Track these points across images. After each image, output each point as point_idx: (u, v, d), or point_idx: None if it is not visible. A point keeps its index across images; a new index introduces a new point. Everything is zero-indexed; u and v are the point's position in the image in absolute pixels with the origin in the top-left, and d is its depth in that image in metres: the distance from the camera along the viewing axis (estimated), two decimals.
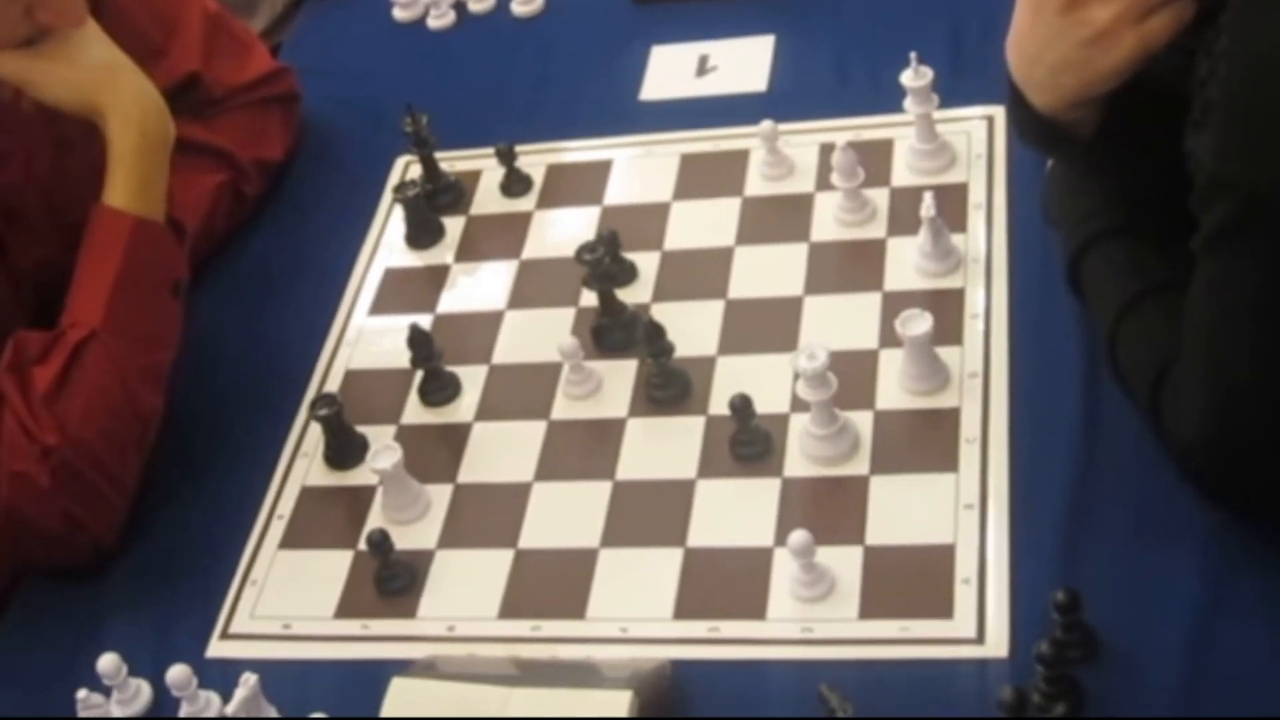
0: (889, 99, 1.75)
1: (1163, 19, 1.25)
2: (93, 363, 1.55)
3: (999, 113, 1.71)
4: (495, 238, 1.81)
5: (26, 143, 1.70)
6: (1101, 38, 1.26)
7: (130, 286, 1.59)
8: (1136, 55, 1.26)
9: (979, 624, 1.32)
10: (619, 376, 1.60)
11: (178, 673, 1.41)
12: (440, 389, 1.64)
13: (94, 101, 1.62)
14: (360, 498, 1.57)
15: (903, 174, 1.72)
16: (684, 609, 1.40)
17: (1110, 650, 1.28)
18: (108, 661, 1.42)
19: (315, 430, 1.63)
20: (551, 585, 1.45)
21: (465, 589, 1.47)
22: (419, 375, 1.64)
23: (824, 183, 1.72)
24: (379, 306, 1.77)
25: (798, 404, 1.48)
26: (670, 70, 1.96)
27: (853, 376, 1.50)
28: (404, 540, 1.49)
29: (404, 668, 1.38)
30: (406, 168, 1.93)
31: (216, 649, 1.49)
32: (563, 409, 1.59)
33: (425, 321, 1.71)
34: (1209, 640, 1.28)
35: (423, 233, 1.83)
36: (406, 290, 1.79)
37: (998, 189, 1.68)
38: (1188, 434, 1.30)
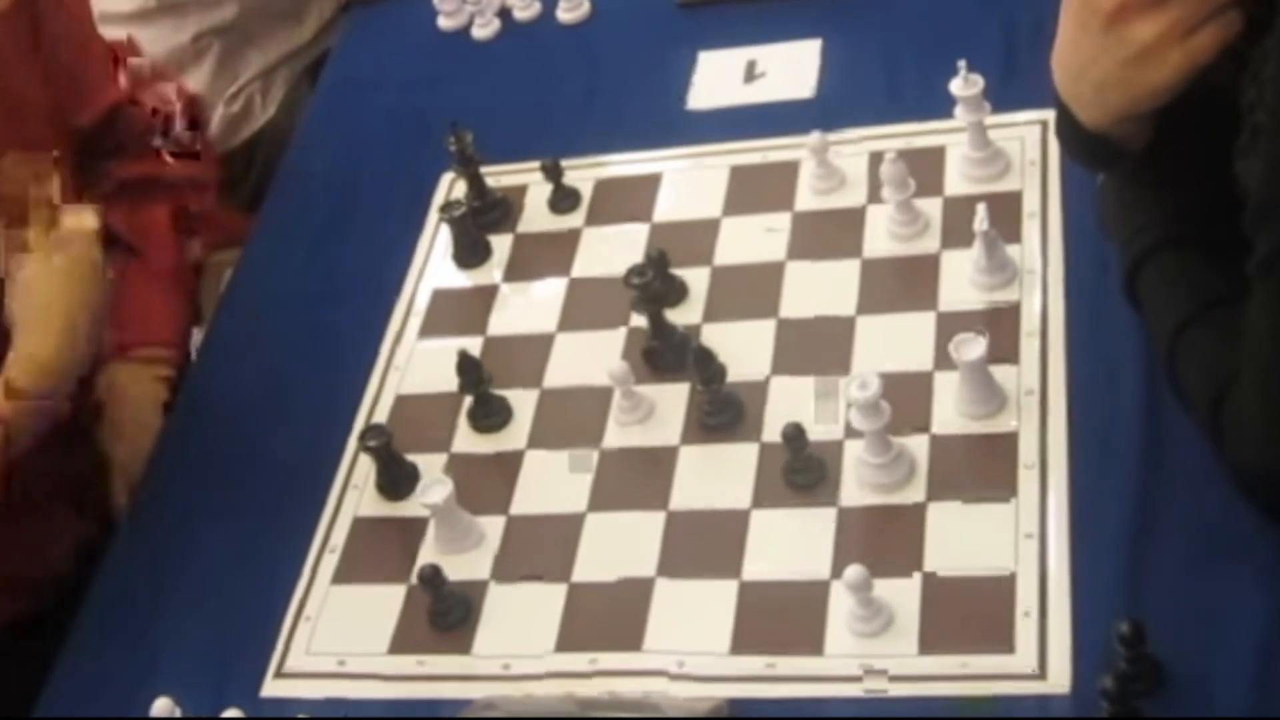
0: (940, 103, 1.71)
1: (1209, 34, 1.20)
2: None
3: (1053, 117, 1.67)
4: (544, 256, 1.79)
5: None
6: (1146, 55, 1.22)
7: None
8: (1183, 72, 1.22)
9: (1040, 658, 1.30)
10: (671, 400, 1.58)
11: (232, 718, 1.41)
12: (490, 414, 1.62)
13: None
14: (413, 528, 1.56)
15: (955, 182, 1.69)
16: (740, 643, 1.38)
17: (1176, 681, 1.25)
18: (162, 707, 1.41)
19: (366, 459, 1.62)
20: (607, 619, 1.43)
21: (520, 623, 1.45)
22: (469, 400, 1.63)
23: (875, 194, 1.69)
24: (428, 329, 1.76)
25: (852, 430, 1.46)
26: (718, 77, 1.94)
27: (907, 400, 1.48)
28: (457, 572, 1.48)
29: (460, 708, 1.38)
30: (453, 184, 1.91)
31: (271, 688, 1.48)
32: (615, 436, 1.57)
33: (475, 344, 1.70)
34: (1279, 668, 1.25)
35: (470, 252, 1.81)
36: (456, 311, 1.77)
37: (1052, 196, 1.64)
38: (1247, 456, 1.26)
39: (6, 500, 1.56)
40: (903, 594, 1.36)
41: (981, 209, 1.55)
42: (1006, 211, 1.63)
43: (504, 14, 2.16)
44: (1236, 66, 1.23)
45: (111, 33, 2.50)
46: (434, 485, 1.51)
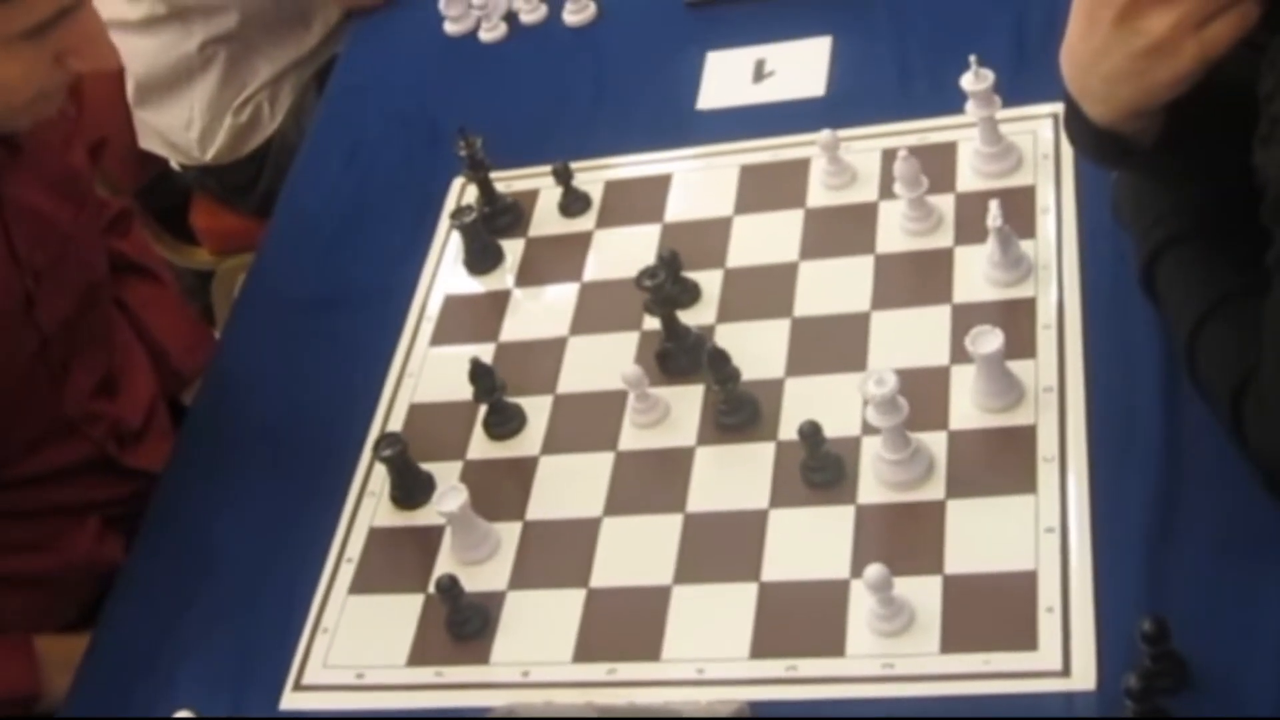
0: (951, 98, 1.70)
1: (1223, 26, 1.18)
2: None
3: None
4: (555, 260, 1.78)
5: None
6: (1158, 48, 1.20)
7: None
8: (1196, 65, 1.20)
9: (1064, 655, 1.28)
10: (686, 402, 1.57)
11: None
12: (505, 422, 1.61)
13: None
14: (429, 537, 1.55)
15: (968, 178, 1.68)
16: (760, 647, 1.37)
17: (1202, 678, 1.24)
18: None
19: (381, 468, 1.61)
20: (625, 626, 1.42)
21: (538, 631, 1.45)
22: (483, 408, 1.62)
23: (887, 190, 1.68)
24: (441, 336, 1.75)
25: (869, 426, 1.45)
26: (726, 77, 1.93)
27: (924, 395, 1.47)
28: (474, 581, 1.47)
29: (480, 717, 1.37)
30: (463, 189, 1.90)
31: (290, 701, 1.47)
32: (630, 439, 1.56)
33: (488, 351, 1.69)
34: None
35: (482, 258, 1.80)
36: (468, 318, 1.76)
37: (1066, 190, 1.63)
38: (1269, 448, 1.25)
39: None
40: (924, 592, 1.35)
41: (994, 205, 1.54)
42: (1020, 206, 1.62)
43: (510, 17, 2.15)
44: (1256, 56, 1.21)
45: (118, 41, 2.50)
46: (449, 493, 1.50)
